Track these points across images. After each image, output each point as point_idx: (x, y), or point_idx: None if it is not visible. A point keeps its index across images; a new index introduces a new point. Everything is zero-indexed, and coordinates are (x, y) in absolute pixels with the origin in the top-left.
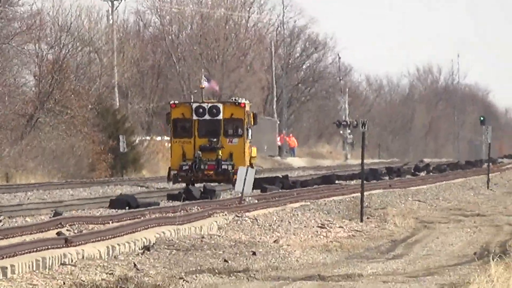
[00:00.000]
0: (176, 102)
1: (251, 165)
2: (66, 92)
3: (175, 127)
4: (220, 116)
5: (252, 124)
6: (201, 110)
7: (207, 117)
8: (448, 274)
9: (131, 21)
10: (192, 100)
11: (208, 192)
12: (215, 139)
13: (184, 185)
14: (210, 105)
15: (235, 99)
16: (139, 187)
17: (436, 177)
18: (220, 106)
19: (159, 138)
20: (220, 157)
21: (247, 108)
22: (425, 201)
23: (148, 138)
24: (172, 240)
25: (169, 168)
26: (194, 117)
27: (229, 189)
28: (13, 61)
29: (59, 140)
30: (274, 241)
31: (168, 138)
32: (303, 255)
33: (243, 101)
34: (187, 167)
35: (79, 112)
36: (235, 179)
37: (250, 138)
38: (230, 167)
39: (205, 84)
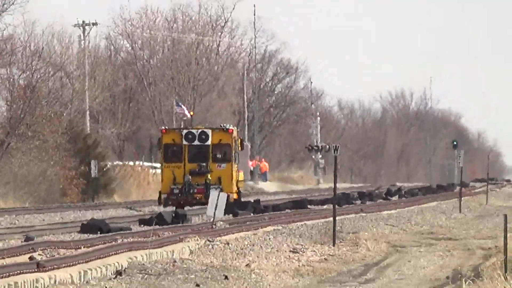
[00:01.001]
0: (167, 128)
1: (238, 188)
2: (37, 117)
3: (166, 152)
4: (209, 142)
5: (240, 149)
6: (190, 136)
7: (196, 142)
8: None
9: (103, 46)
10: (181, 126)
11: (180, 216)
12: (204, 164)
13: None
14: (199, 131)
15: (222, 125)
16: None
17: (408, 201)
18: (209, 132)
19: (131, 163)
20: (209, 181)
21: (235, 134)
22: (397, 225)
23: (120, 163)
24: (144, 264)
25: (160, 191)
26: (184, 143)
27: (200, 214)
28: None
29: (30, 165)
30: (246, 265)
31: (139, 163)
32: (275, 279)
33: (231, 127)
34: (177, 191)
35: (50, 137)
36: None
37: (237, 162)
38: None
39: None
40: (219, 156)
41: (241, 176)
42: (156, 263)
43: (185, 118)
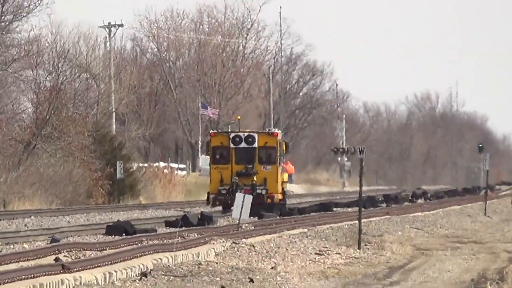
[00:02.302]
0: (215, 131)
1: (282, 189)
2: (63, 119)
3: (214, 154)
4: (255, 145)
5: (284, 152)
6: (237, 139)
7: (243, 145)
8: None
9: (128, 47)
10: (229, 130)
11: (205, 218)
12: (250, 166)
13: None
14: (246, 134)
15: (268, 129)
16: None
17: (433, 204)
18: (255, 135)
19: (157, 164)
20: (255, 182)
21: (279, 137)
22: (422, 228)
23: (145, 164)
24: (169, 266)
25: (208, 192)
26: (232, 145)
27: (226, 216)
28: (11, 88)
29: (56, 166)
30: (272, 268)
31: (164, 165)
32: (300, 282)
33: (276, 131)
34: (224, 191)
35: (76, 139)
36: (269, 202)
37: (282, 164)
38: (264, 192)
39: (202, 111)
40: (264, 158)
41: (285, 177)
42: (182, 265)
43: (214, 117)
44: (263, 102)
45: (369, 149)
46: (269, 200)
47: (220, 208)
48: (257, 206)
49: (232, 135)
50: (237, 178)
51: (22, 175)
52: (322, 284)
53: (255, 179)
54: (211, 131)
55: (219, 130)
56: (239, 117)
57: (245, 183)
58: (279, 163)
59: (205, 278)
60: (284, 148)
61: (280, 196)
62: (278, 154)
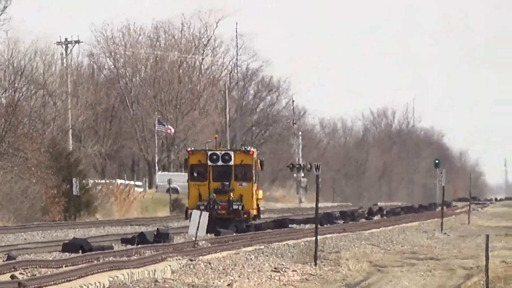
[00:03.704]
0: (193, 149)
1: (257, 205)
2: (19, 135)
3: (192, 171)
4: (232, 162)
5: (260, 169)
6: (215, 156)
7: (220, 163)
8: None
9: (85, 64)
10: (206, 148)
11: (162, 235)
12: (227, 183)
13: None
14: (223, 152)
15: (244, 148)
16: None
17: (389, 220)
18: (232, 153)
19: (113, 181)
20: (231, 198)
21: (255, 155)
22: (378, 245)
23: (102, 181)
24: (126, 283)
25: (187, 207)
26: (209, 163)
27: (182, 233)
28: None
29: (12, 183)
30: (228, 285)
31: (121, 182)
32: None
33: (252, 149)
34: (203, 207)
35: (32, 155)
36: (245, 217)
37: (257, 182)
38: (240, 207)
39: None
40: (240, 175)
41: (260, 194)
42: (138, 282)
43: (171, 133)
44: (220, 118)
45: (326, 166)
46: (245, 216)
47: (177, 224)
48: (234, 222)
49: (209, 153)
50: (214, 194)
51: None
52: None
53: (231, 195)
54: (188, 149)
55: (197, 149)
56: (215, 136)
57: (222, 199)
58: (255, 181)
59: None
60: (259, 165)
61: (255, 212)
62: (254, 171)
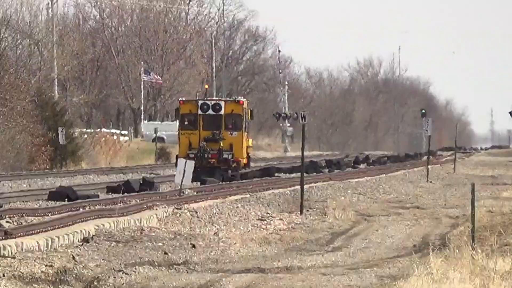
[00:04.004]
0: (184, 99)
1: (247, 154)
2: (5, 85)
3: (183, 121)
4: (222, 112)
5: (250, 119)
6: (205, 106)
7: (210, 112)
8: (387, 267)
9: (71, 14)
10: (197, 98)
11: (147, 184)
12: (217, 132)
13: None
14: (213, 102)
15: (235, 98)
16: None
17: (376, 169)
18: (222, 103)
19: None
20: (221, 147)
21: (245, 105)
22: (365, 194)
23: (88, 130)
24: (112, 232)
25: (177, 156)
26: (200, 112)
27: (168, 181)
28: None
29: None
30: (214, 234)
31: (107, 130)
32: (242, 247)
33: (242, 99)
34: (193, 155)
35: (18, 104)
36: (234, 166)
37: (247, 131)
38: (230, 156)
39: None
40: (230, 125)
41: (250, 142)
42: (124, 231)
43: (159, 84)
44: (206, 68)
45: (312, 115)
46: (235, 164)
47: (162, 173)
48: (220, 170)
49: (200, 102)
50: (204, 143)
51: None
52: (264, 249)
53: (221, 144)
54: (180, 99)
55: (188, 99)
56: (207, 86)
57: (212, 148)
58: (245, 130)
59: (148, 244)
60: (249, 115)
61: (245, 161)
62: (244, 121)
